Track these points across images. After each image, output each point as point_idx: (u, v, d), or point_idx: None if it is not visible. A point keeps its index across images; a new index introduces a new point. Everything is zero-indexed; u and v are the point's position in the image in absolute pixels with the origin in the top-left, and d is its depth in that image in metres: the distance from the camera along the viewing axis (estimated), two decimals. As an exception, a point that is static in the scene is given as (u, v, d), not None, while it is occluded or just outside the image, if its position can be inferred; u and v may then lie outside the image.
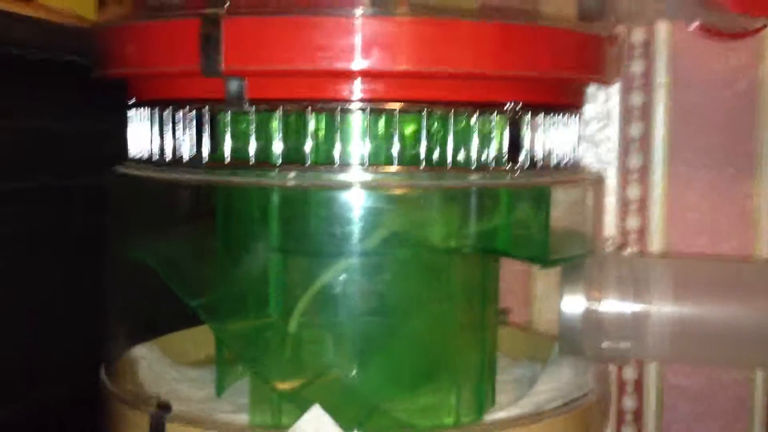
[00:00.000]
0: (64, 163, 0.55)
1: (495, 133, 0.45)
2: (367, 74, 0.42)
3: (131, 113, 0.49)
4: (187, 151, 0.45)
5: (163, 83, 0.45)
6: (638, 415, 0.67)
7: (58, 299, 0.55)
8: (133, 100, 0.48)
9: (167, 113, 0.45)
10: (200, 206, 0.46)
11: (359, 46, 0.41)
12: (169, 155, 0.46)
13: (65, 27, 0.53)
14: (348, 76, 0.42)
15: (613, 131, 0.65)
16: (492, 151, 0.45)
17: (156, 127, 0.46)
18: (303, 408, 0.43)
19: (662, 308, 0.48)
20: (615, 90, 0.64)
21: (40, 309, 0.54)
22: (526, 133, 0.46)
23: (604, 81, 0.49)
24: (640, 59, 0.64)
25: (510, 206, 0.45)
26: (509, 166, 0.45)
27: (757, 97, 0.63)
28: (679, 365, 0.65)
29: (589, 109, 0.65)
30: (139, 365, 0.53)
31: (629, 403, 0.67)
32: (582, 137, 0.51)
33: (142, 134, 0.47)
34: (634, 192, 0.65)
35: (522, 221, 0.45)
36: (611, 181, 0.65)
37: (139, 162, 0.48)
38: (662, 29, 0.63)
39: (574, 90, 0.49)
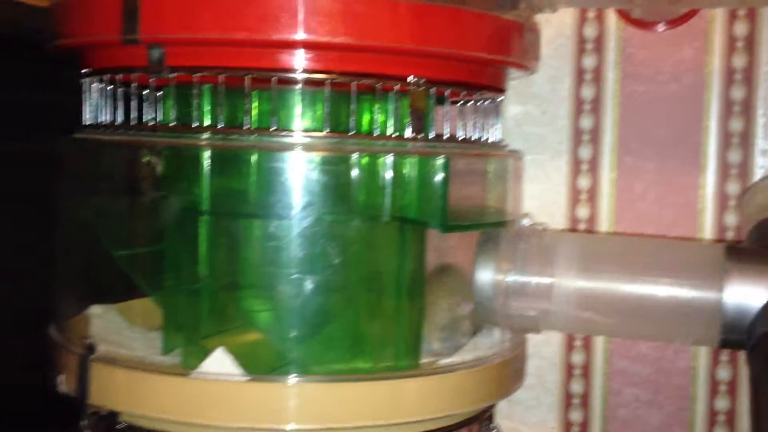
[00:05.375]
0: (29, 131, 0.59)
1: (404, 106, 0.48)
2: (287, 45, 0.45)
3: (84, 84, 0.53)
4: (130, 116, 0.49)
5: (102, 53, 0.50)
6: (585, 398, 0.69)
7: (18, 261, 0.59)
8: (83, 71, 0.53)
9: (104, 82, 0.49)
10: (136, 167, 0.50)
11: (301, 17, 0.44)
12: (108, 120, 0.50)
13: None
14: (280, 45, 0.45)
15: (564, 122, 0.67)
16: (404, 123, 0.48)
17: (96, 96, 0.51)
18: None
19: (564, 281, 0.50)
20: (565, 82, 0.67)
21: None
22: (439, 107, 0.49)
23: (519, 65, 0.51)
24: (592, 53, 0.66)
25: (420, 175, 0.48)
26: (419, 135, 0.48)
27: (703, 90, 0.64)
28: (624, 350, 0.67)
29: (537, 99, 0.67)
30: (92, 322, 0.57)
31: (576, 387, 0.69)
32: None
33: (91, 103, 0.52)
34: (583, 182, 0.67)
35: (428, 189, 0.48)
36: (562, 172, 0.67)
37: (90, 128, 0.52)
38: (612, 23, 0.65)
39: (492, 72, 0.52)
